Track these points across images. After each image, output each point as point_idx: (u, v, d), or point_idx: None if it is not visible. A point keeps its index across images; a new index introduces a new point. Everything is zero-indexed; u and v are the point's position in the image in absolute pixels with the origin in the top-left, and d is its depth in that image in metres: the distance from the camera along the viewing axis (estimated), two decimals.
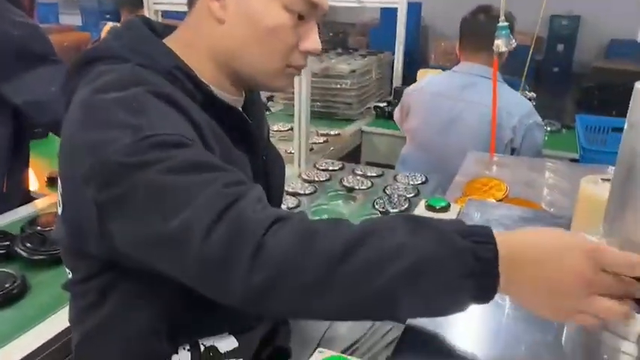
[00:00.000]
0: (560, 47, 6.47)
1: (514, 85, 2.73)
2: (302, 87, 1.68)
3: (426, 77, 1.99)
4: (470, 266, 0.56)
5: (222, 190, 0.60)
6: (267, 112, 2.53)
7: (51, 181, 1.72)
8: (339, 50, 3.02)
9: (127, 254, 0.65)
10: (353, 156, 2.46)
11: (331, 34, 3.78)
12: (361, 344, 1.06)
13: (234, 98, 0.82)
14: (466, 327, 0.72)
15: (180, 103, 0.69)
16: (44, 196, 1.62)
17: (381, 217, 0.62)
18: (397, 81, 2.77)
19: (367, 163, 2.45)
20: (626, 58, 6.28)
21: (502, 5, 1.38)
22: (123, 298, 0.74)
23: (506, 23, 1.42)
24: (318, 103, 2.58)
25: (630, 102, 0.60)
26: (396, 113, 2.09)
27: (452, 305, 0.58)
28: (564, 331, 0.69)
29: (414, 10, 5.92)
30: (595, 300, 0.55)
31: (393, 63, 2.80)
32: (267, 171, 0.89)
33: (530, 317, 0.68)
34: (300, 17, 0.76)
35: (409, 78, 2.63)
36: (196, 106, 0.73)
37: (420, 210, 1.02)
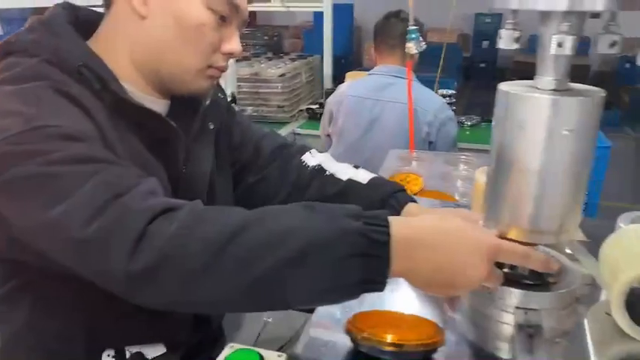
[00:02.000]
0: (485, 44, 6.80)
1: (442, 83, 2.88)
2: (227, 92, 1.71)
3: (346, 82, 2.09)
4: (359, 246, 0.55)
5: (109, 180, 0.60)
6: None
7: None
8: (270, 55, 3.07)
9: (22, 243, 0.65)
10: None
11: (266, 37, 3.82)
12: (291, 343, 1.10)
13: (151, 99, 0.80)
14: None
15: (81, 102, 0.68)
16: None
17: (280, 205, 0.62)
18: (327, 83, 2.85)
19: None
20: None
21: (411, 10, 1.47)
22: (35, 303, 0.75)
23: (415, 27, 1.51)
24: (251, 108, 2.62)
25: (495, 100, 0.67)
26: (323, 122, 2.14)
27: (341, 288, 0.57)
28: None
29: (346, 11, 6.04)
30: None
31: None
32: (187, 186, 0.83)
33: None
34: (222, 19, 0.77)
35: (341, 80, 2.70)
36: (102, 107, 0.71)
37: None
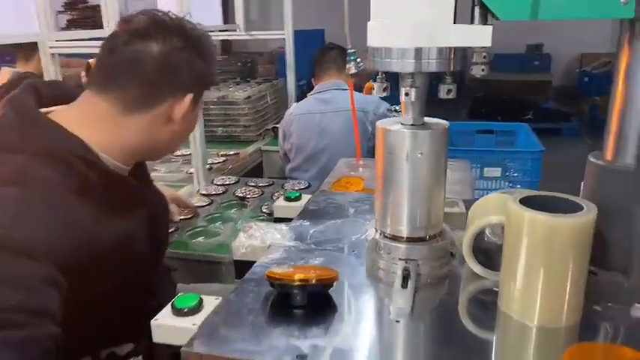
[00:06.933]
0: None
1: (397, 98, 3.12)
2: None
3: (293, 105, 2.39)
4: None
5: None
6: None
7: None
8: (237, 79, 3.30)
9: None
10: (256, 173, 2.71)
11: (239, 64, 4.06)
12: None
13: (125, 168, 0.96)
14: None
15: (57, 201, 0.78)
16: None
17: None
18: (291, 104, 3.07)
19: (270, 178, 2.71)
20: (508, 70, 7.06)
21: (347, 35, 1.69)
22: None
23: (353, 50, 1.74)
24: (221, 128, 2.83)
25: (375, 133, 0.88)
26: (279, 143, 2.41)
27: None
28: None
29: (318, 35, 6.36)
30: None
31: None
32: (154, 212, 1.05)
33: None
34: None
35: None
36: (73, 194, 0.81)
37: (280, 201, 1.28)
